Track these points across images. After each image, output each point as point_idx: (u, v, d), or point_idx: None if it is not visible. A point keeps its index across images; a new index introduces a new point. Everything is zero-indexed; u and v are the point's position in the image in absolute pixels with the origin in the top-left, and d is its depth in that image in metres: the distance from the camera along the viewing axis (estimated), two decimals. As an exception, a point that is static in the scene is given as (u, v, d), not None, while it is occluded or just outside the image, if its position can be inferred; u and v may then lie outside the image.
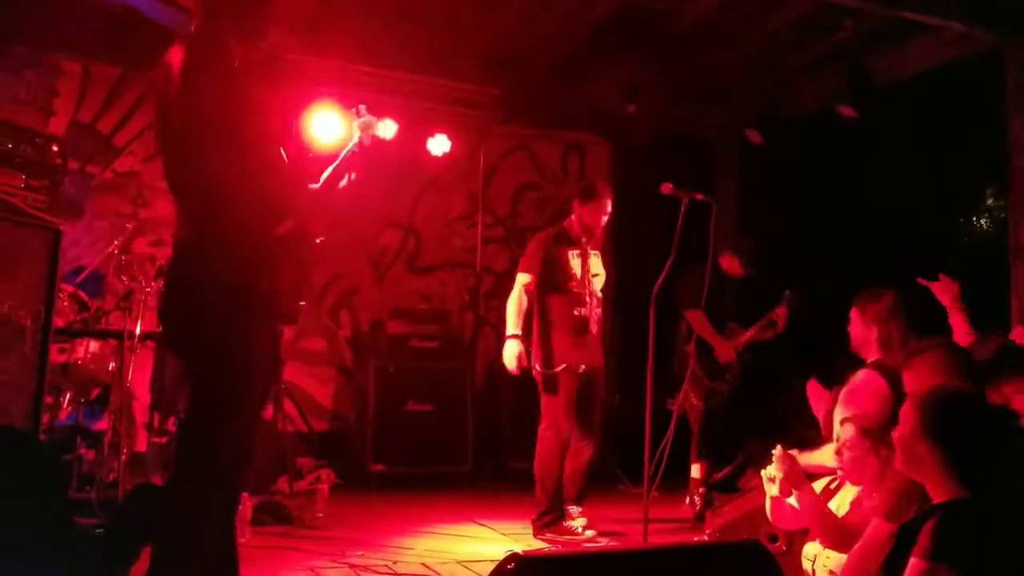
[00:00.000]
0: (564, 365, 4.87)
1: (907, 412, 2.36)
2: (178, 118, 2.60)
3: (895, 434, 2.41)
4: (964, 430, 2.27)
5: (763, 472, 3.38)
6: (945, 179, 6.71)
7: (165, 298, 2.82)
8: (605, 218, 5.10)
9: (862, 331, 3.80)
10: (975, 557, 2.07)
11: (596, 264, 5.11)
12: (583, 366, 4.89)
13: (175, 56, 2.65)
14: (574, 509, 5.02)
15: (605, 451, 6.62)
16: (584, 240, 5.09)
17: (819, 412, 4.03)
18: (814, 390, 4.15)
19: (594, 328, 4.99)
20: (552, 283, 4.99)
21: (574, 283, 4.98)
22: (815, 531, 3.20)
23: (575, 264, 5.00)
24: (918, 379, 3.06)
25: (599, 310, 5.07)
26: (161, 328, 2.86)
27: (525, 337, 4.93)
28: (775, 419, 5.98)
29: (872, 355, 3.74)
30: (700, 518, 5.28)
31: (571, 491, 4.99)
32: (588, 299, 4.99)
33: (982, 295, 5.66)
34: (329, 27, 5.87)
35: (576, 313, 4.96)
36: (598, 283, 5.08)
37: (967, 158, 6.51)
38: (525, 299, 4.96)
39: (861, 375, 3.56)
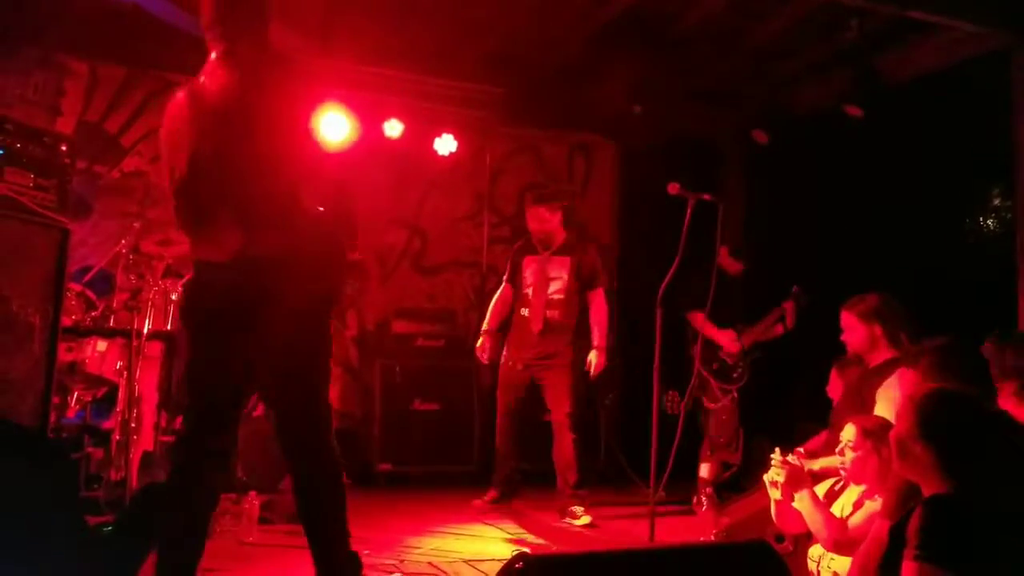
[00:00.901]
0: (503, 359, 5.50)
1: (902, 413, 2.37)
2: (267, 146, 2.73)
3: (892, 434, 2.42)
4: (955, 430, 2.28)
5: (765, 476, 3.38)
6: (951, 179, 6.69)
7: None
8: (537, 225, 5.46)
9: (864, 332, 3.79)
10: (962, 555, 2.05)
11: (555, 269, 5.42)
12: (516, 361, 5.41)
13: (224, 76, 2.70)
14: (577, 509, 5.14)
15: (617, 452, 6.67)
16: (540, 248, 5.46)
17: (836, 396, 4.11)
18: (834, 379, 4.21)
19: (536, 327, 5.35)
20: (515, 287, 5.56)
21: (525, 286, 5.48)
22: (817, 534, 3.20)
23: (530, 270, 5.47)
24: (923, 378, 3.06)
25: (553, 311, 5.38)
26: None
27: (496, 334, 5.58)
28: (782, 418, 5.98)
29: (883, 355, 3.73)
30: (707, 516, 5.29)
31: (561, 481, 5.25)
32: (534, 301, 5.39)
33: (988, 297, 5.69)
34: (336, 29, 5.87)
35: (521, 313, 5.48)
36: (553, 287, 5.40)
37: (973, 158, 6.49)
38: (499, 303, 5.62)
39: (902, 374, 3.56)
